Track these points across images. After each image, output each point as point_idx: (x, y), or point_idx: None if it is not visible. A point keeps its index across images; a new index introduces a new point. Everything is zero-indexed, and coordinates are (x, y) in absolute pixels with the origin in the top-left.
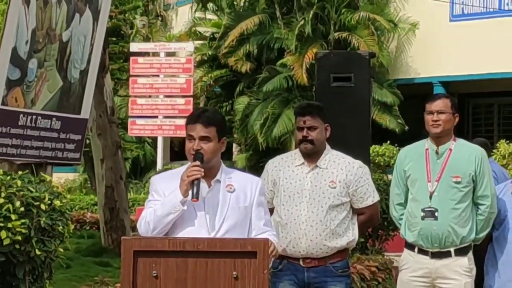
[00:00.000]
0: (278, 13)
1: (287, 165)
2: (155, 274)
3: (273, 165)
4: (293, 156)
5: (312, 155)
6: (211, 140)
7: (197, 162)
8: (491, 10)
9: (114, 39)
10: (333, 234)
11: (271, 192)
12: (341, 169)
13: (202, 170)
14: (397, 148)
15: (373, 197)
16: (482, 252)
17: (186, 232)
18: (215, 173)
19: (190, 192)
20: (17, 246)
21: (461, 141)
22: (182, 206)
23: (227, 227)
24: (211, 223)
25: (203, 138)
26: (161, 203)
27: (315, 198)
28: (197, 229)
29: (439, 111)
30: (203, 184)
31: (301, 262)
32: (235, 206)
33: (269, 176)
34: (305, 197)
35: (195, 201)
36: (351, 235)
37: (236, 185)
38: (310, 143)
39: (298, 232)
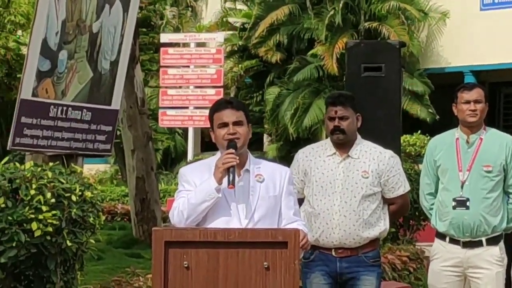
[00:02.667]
0: (308, 3)
1: (318, 155)
2: (186, 265)
3: (303, 155)
4: (324, 146)
5: (343, 145)
6: (243, 123)
7: (231, 150)
8: None
9: (144, 30)
10: (366, 224)
11: (302, 182)
12: (373, 158)
13: (237, 157)
14: (428, 137)
15: (404, 187)
16: (511, 241)
17: (219, 222)
18: (244, 162)
19: (225, 179)
20: (48, 238)
21: (491, 130)
22: (217, 194)
23: (259, 216)
24: (243, 212)
25: (236, 123)
26: (194, 191)
27: (348, 188)
28: (229, 219)
29: (476, 101)
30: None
31: (333, 252)
32: (265, 195)
33: (299, 166)
34: (337, 187)
35: (231, 187)
36: (382, 225)
37: (265, 174)
38: (341, 133)
39: (332, 222)
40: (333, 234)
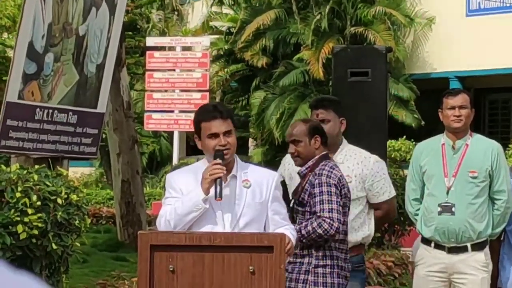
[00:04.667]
0: (294, 8)
1: None
2: (171, 269)
3: (290, 159)
4: None
5: (330, 149)
6: (232, 132)
7: (218, 160)
8: (508, 5)
9: (130, 33)
10: (348, 229)
11: (288, 186)
12: (357, 163)
13: (224, 168)
14: (413, 143)
15: (390, 192)
16: (491, 250)
17: (202, 229)
18: (231, 168)
19: (212, 191)
20: (34, 241)
21: (477, 136)
22: (205, 205)
23: (244, 223)
24: (228, 220)
25: (226, 133)
26: (182, 201)
27: None
28: (213, 226)
29: (461, 106)
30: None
31: None
32: (251, 202)
33: (285, 170)
34: None
35: (219, 200)
36: (366, 230)
37: (252, 180)
38: None
39: None
40: None
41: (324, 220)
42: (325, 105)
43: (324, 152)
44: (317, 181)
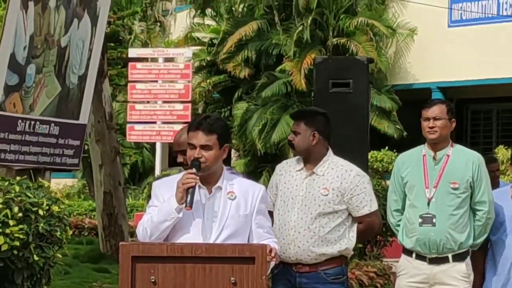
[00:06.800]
0: (276, 19)
1: (289, 170)
2: (153, 280)
3: (278, 168)
4: (297, 161)
5: (309, 161)
6: (211, 148)
7: (193, 170)
8: (490, 15)
9: (112, 44)
10: (323, 241)
11: (275, 195)
12: (337, 176)
13: (198, 178)
14: (396, 153)
15: (370, 206)
16: (474, 260)
17: (184, 239)
18: (216, 179)
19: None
20: (15, 252)
21: (458, 147)
22: (177, 214)
23: (226, 235)
24: (210, 231)
25: (203, 147)
26: (158, 209)
27: (306, 204)
28: (195, 237)
29: (435, 118)
30: (203, 191)
31: (293, 267)
32: (235, 214)
33: (273, 180)
34: (297, 203)
35: (188, 209)
36: (344, 243)
37: (238, 192)
38: (292, 147)
39: (287, 238)
40: (289, 249)
41: None
42: (297, 117)
43: None
44: None
